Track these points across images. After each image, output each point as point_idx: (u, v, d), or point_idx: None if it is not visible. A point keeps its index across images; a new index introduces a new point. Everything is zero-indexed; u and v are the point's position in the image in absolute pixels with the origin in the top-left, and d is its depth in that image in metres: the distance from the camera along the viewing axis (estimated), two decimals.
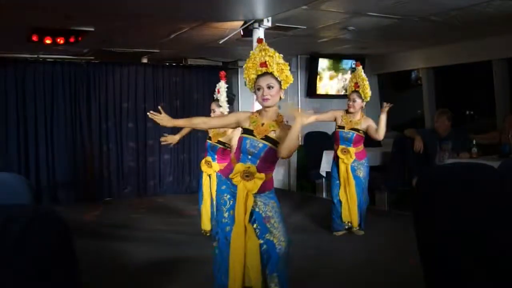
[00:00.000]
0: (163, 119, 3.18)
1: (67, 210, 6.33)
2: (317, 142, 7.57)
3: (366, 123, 5.25)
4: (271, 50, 3.07)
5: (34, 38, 5.49)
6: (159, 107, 3.31)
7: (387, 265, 4.22)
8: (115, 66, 7.83)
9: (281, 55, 3.09)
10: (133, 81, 7.97)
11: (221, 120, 3.45)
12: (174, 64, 8.27)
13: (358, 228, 5.28)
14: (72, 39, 5.60)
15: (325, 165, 7.16)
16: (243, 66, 3.16)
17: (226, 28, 5.47)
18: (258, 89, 3.05)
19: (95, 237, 5.37)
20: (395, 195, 6.66)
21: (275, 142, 3.02)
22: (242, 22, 5.16)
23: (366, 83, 5.21)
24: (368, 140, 8.08)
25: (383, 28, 5.61)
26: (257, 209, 3.09)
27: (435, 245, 1.60)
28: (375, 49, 7.47)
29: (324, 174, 7.23)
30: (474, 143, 5.34)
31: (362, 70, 5.27)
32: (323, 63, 8.12)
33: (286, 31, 5.76)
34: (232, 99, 4.71)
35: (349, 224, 5.21)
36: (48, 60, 7.40)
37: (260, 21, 5.00)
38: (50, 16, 4.90)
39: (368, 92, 5.23)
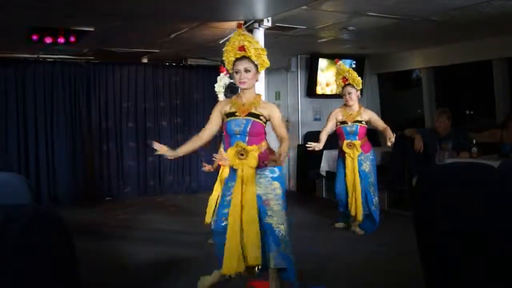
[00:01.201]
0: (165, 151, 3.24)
1: (67, 210, 6.34)
2: (316, 141, 7.55)
3: (367, 114, 5.31)
4: (249, 36, 3.28)
5: (34, 38, 5.49)
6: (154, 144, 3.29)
7: (387, 265, 4.22)
8: (115, 66, 7.83)
9: (264, 47, 3.30)
10: (133, 81, 7.98)
11: (210, 125, 3.43)
12: (174, 64, 8.28)
13: (358, 225, 5.31)
14: (72, 39, 5.60)
15: (325, 165, 7.16)
16: (224, 49, 3.30)
17: (226, 28, 5.47)
18: (236, 72, 3.25)
19: (95, 237, 5.37)
20: (395, 195, 6.66)
21: (257, 116, 3.24)
22: (242, 22, 5.16)
23: (353, 72, 5.31)
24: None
25: (383, 28, 5.61)
26: (258, 191, 3.21)
27: (435, 245, 1.60)
28: (375, 49, 7.47)
29: (324, 173, 7.23)
30: (474, 142, 5.33)
31: (343, 64, 5.43)
32: (323, 63, 8.11)
33: (286, 31, 5.76)
34: (235, 88, 4.29)
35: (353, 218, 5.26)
36: (48, 60, 7.40)
37: (260, 21, 5.00)
38: (50, 16, 4.90)
39: (359, 80, 5.32)
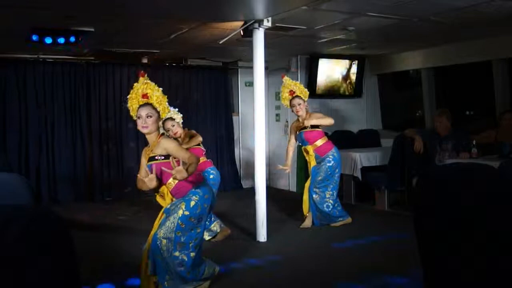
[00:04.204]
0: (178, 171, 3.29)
1: (67, 210, 6.35)
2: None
3: (312, 118, 5.60)
4: (152, 84, 3.48)
5: (34, 38, 5.48)
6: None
7: (387, 265, 4.22)
8: (115, 66, 7.83)
9: (161, 88, 3.52)
10: (133, 81, 7.90)
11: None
12: (174, 64, 8.27)
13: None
14: (72, 39, 5.59)
15: None
16: (128, 97, 3.50)
17: (226, 28, 5.47)
18: (139, 118, 3.42)
19: (95, 237, 5.37)
20: (395, 195, 6.66)
21: (153, 158, 3.39)
22: (242, 22, 5.16)
23: (299, 84, 5.64)
24: (368, 140, 8.09)
25: (383, 28, 5.61)
26: (169, 206, 3.43)
27: (435, 245, 1.60)
28: (375, 49, 7.47)
29: None
30: (474, 143, 5.33)
31: (289, 79, 5.66)
32: (323, 63, 8.09)
33: (286, 31, 5.76)
34: None
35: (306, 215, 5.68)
36: (48, 60, 7.40)
37: (260, 21, 5.00)
38: (50, 16, 4.90)
39: (306, 91, 5.63)
